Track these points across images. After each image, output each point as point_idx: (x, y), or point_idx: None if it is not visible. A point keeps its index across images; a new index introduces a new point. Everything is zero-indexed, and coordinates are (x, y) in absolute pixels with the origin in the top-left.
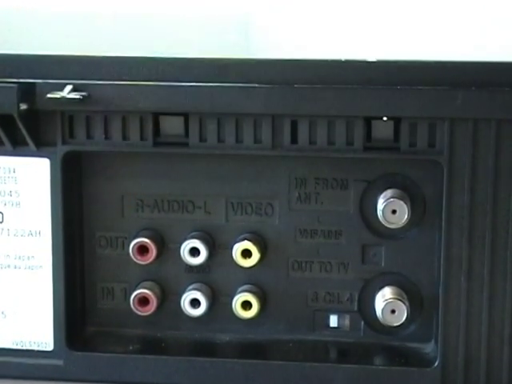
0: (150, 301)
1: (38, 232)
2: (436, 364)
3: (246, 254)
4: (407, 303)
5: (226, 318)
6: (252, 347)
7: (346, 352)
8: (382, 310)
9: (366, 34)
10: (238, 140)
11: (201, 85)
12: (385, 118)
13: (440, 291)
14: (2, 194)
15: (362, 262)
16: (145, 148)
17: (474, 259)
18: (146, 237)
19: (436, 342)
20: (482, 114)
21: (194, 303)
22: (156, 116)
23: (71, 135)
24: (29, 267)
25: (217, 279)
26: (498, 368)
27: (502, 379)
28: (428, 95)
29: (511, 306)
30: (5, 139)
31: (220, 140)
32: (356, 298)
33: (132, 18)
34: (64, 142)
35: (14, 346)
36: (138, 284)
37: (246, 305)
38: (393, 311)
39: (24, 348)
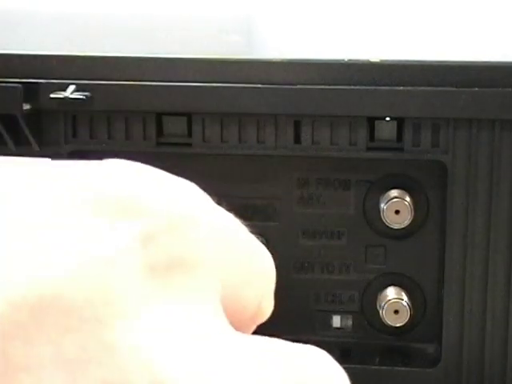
0: None
1: None
2: (439, 364)
3: None
4: (410, 304)
5: None
6: None
7: (349, 352)
8: (385, 310)
9: (370, 35)
10: (241, 140)
11: (204, 85)
12: (388, 118)
13: (443, 292)
14: None
15: (365, 262)
16: (148, 148)
17: (477, 260)
18: None
19: (439, 343)
20: (486, 114)
21: None
22: (159, 116)
23: (74, 135)
24: None
25: None
26: (501, 368)
27: (506, 379)
28: (431, 95)
29: None
30: (8, 139)
31: (223, 140)
32: (359, 298)
33: (133, 18)
34: (67, 142)
35: None
36: None
37: None
38: (396, 312)
39: None
